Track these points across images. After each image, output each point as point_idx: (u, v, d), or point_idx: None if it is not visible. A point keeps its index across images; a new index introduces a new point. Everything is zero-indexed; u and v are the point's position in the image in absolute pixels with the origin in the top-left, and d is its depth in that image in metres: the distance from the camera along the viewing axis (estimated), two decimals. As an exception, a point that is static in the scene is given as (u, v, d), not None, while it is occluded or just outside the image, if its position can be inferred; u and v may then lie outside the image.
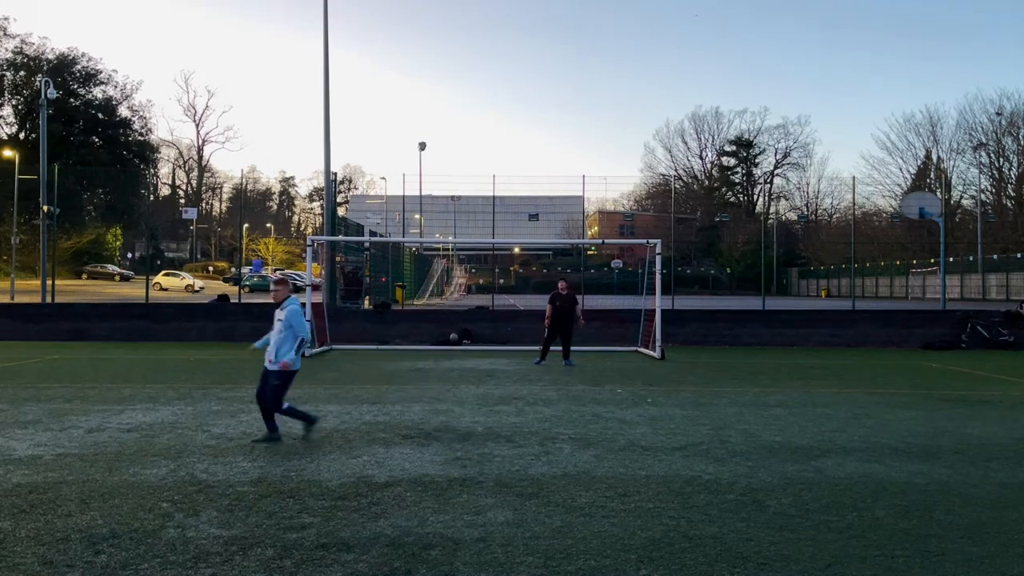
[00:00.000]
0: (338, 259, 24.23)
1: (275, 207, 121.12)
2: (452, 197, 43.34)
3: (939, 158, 68.41)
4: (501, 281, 65.87)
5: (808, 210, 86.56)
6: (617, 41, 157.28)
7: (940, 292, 25.74)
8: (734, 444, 7.75)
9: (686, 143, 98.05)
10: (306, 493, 5.80)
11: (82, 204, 55.04)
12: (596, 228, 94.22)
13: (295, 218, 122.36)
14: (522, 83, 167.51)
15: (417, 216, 60.66)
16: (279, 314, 7.86)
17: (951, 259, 49.63)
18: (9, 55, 59.13)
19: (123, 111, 63.35)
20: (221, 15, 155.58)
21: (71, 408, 9.67)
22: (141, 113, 65.22)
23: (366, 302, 25.23)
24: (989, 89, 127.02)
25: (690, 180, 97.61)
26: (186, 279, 51.99)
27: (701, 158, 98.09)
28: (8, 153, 44.67)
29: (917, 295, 54.06)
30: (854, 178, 34.95)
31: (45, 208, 27.86)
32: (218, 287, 48.32)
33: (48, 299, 24.88)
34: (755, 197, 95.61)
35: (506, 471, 6.56)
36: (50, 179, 27.83)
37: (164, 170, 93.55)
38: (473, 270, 73.20)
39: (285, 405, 7.89)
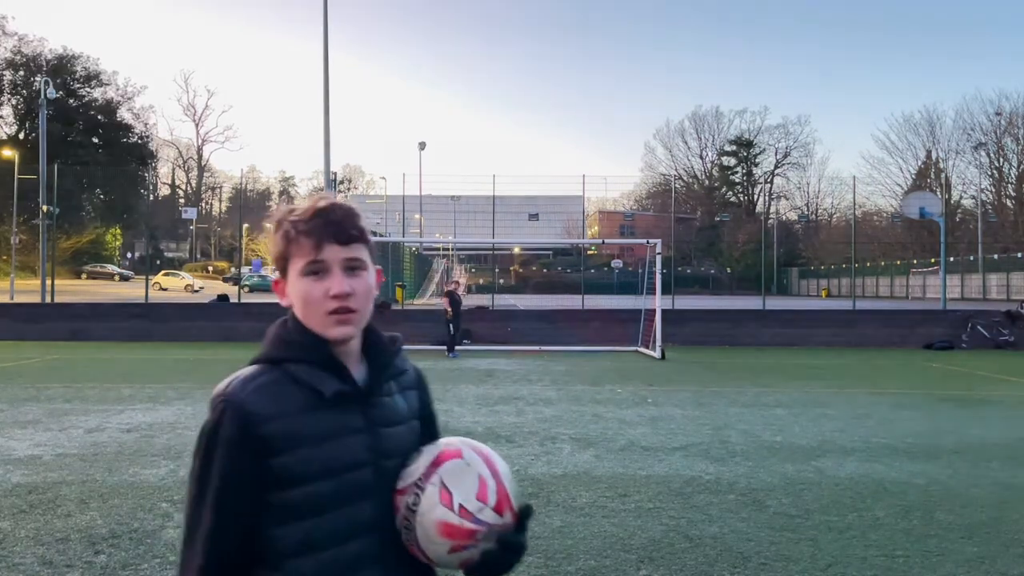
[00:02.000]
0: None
1: (275, 207, 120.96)
2: (452, 197, 43.36)
3: (939, 158, 68.48)
4: (501, 281, 65.87)
5: (808, 210, 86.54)
6: (617, 41, 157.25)
7: (941, 292, 25.73)
8: (734, 444, 7.75)
9: (686, 143, 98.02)
10: (306, 493, 5.78)
11: (81, 204, 55.02)
12: (596, 228, 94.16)
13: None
14: (522, 83, 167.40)
15: (417, 216, 60.67)
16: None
17: (951, 259, 49.60)
18: (8, 55, 59.15)
19: (123, 113, 63.38)
20: (221, 14, 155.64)
21: (71, 408, 9.66)
22: (142, 117, 65.30)
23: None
24: (988, 89, 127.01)
25: (690, 180, 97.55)
26: (186, 279, 51.96)
27: (701, 158, 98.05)
28: (8, 153, 44.66)
29: (917, 295, 54.01)
30: (854, 178, 34.96)
31: (44, 208, 27.86)
32: (218, 287, 48.30)
33: (48, 299, 24.88)
34: (755, 197, 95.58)
35: (506, 471, 6.55)
36: (49, 179, 27.82)
37: (163, 170, 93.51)
38: (473, 270, 73.19)
39: None
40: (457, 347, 20.05)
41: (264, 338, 1.49)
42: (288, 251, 1.44)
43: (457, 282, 19.81)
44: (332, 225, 1.41)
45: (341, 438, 1.42)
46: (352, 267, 1.42)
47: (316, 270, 1.40)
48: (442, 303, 18.19)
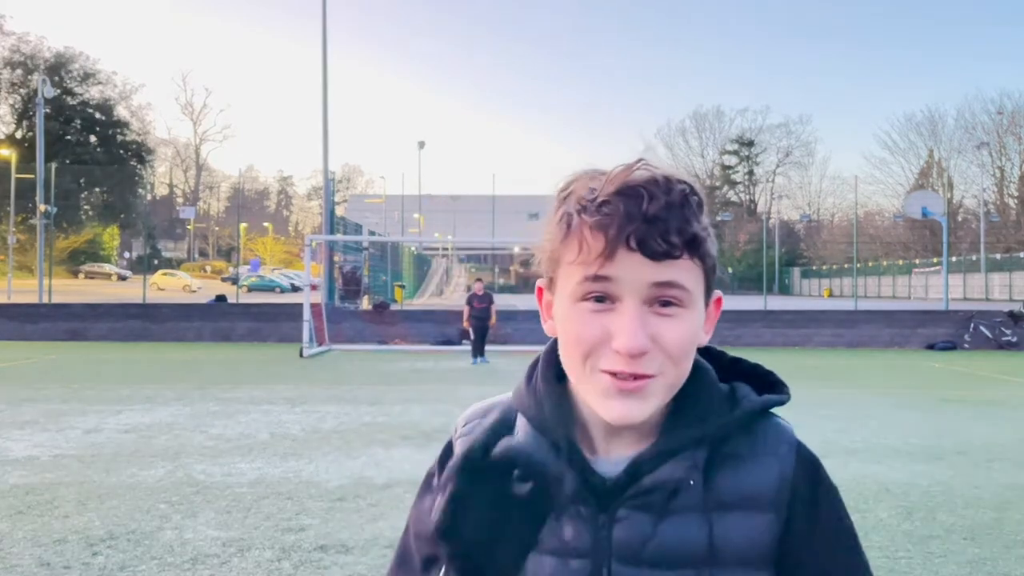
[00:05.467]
0: (336, 258, 24.21)
1: (273, 207, 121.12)
2: (452, 197, 43.39)
3: (941, 157, 68.59)
4: (501, 281, 65.90)
5: (810, 209, 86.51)
6: (618, 39, 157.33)
7: (943, 292, 25.70)
8: (735, 444, 7.71)
9: (687, 142, 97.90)
10: (304, 494, 5.75)
11: (79, 203, 55.01)
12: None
13: (293, 217, 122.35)
14: (522, 81, 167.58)
15: (416, 215, 60.66)
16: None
17: (954, 259, 49.61)
18: (6, 53, 59.16)
19: (121, 111, 63.40)
20: (219, 13, 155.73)
21: (68, 409, 9.62)
22: (140, 115, 65.35)
23: (365, 301, 25.20)
24: (990, 88, 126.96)
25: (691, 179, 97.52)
26: (184, 279, 51.92)
27: (702, 157, 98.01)
28: (5, 152, 44.64)
29: (920, 295, 53.96)
30: (856, 177, 35.03)
31: (42, 207, 27.85)
32: (216, 287, 48.25)
33: (45, 299, 24.84)
34: (757, 196, 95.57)
35: (506, 472, 6.51)
36: (47, 178, 27.83)
37: (161, 169, 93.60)
38: (473, 269, 73.23)
39: None
40: (455, 347, 20.05)
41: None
42: (562, 246, 0.88)
43: (480, 282, 18.89)
44: (641, 218, 0.81)
45: (544, 557, 0.88)
46: (665, 300, 0.84)
47: (598, 293, 0.85)
48: (473, 310, 17.26)
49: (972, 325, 21.20)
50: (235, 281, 41.68)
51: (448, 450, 1.01)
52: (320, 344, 18.87)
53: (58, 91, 47.78)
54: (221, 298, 26.35)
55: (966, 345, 20.91)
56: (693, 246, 0.83)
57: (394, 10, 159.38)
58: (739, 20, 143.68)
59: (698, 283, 0.86)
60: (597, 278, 0.83)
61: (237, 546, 4.60)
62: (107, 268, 58.38)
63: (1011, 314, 21.63)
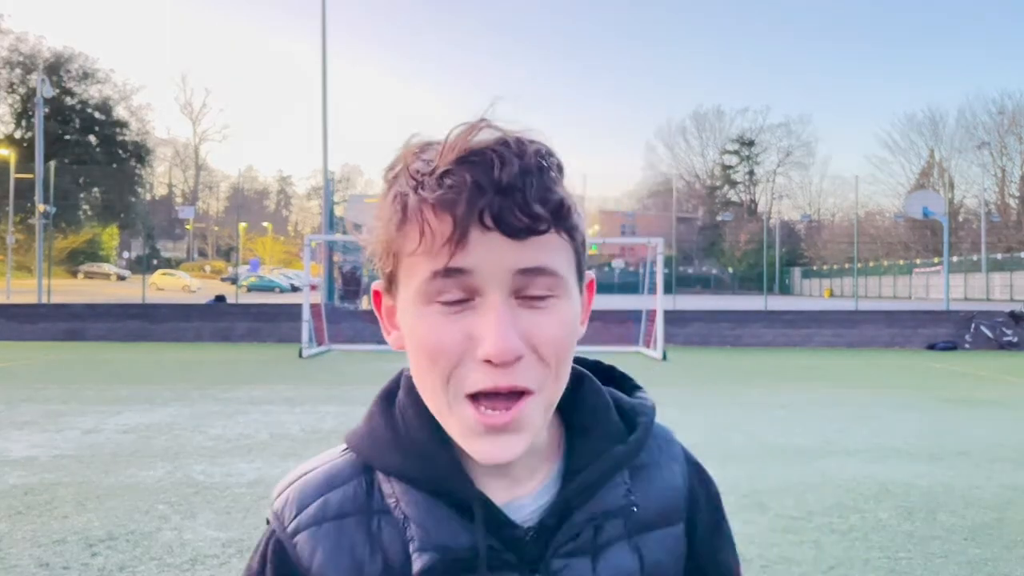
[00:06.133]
0: (336, 258, 24.21)
1: (272, 207, 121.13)
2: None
3: (942, 157, 68.67)
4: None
5: (811, 209, 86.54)
6: (618, 39, 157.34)
7: (944, 292, 25.68)
8: (736, 445, 7.70)
9: (687, 141, 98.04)
10: (304, 495, 5.74)
11: (78, 203, 55.01)
12: (597, 227, 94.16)
13: (293, 217, 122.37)
14: (522, 81, 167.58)
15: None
16: None
17: (955, 259, 49.60)
18: (5, 53, 59.14)
19: (121, 111, 63.40)
20: (219, 13, 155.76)
21: (67, 409, 9.61)
22: (139, 115, 65.34)
23: (364, 301, 25.19)
24: (991, 88, 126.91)
25: (692, 179, 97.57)
26: (183, 279, 51.89)
27: (703, 157, 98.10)
28: (3, 152, 44.63)
29: (920, 295, 53.95)
30: (857, 177, 35.01)
31: (41, 207, 27.84)
32: (215, 287, 48.21)
33: (44, 299, 24.84)
34: (757, 196, 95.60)
35: (506, 472, 6.50)
36: (46, 178, 27.82)
37: (160, 169, 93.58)
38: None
39: None
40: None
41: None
42: (399, 235, 0.71)
43: None
44: (494, 188, 0.66)
45: None
46: (535, 292, 0.69)
47: (453, 293, 0.69)
48: None
49: (973, 325, 21.19)
50: (234, 281, 41.65)
51: (279, 546, 0.79)
52: (319, 344, 18.86)
53: (57, 91, 47.77)
54: (220, 298, 26.33)
55: (967, 345, 20.90)
56: (560, 216, 0.69)
57: (394, 10, 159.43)
58: (739, 20, 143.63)
59: (570, 265, 0.72)
60: (449, 272, 0.67)
61: (237, 547, 4.59)
62: (106, 268, 58.35)
63: (1012, 314, 21.62)
